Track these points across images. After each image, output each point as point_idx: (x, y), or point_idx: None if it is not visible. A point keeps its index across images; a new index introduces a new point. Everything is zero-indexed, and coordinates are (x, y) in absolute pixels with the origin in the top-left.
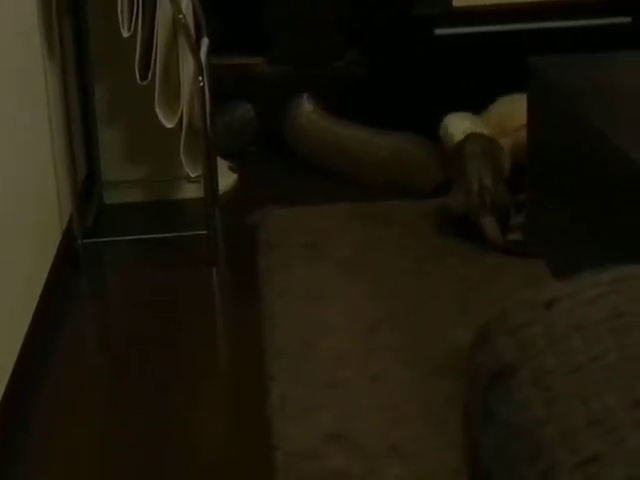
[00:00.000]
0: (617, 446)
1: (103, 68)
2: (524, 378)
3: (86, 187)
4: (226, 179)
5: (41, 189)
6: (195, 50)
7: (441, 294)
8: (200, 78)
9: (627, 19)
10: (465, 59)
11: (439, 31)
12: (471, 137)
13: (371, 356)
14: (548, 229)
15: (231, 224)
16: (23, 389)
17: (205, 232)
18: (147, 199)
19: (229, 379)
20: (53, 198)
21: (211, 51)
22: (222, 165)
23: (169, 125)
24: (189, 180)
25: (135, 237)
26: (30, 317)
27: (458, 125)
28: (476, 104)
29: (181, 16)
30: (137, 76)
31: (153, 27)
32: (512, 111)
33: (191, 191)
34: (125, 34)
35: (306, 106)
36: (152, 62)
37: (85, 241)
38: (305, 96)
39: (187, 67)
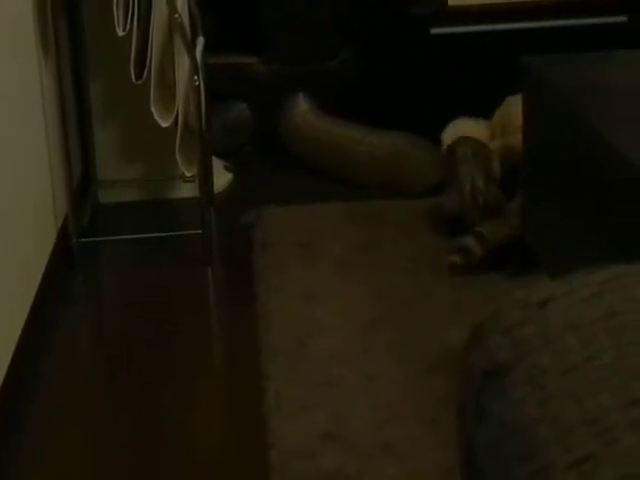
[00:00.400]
0: (611, 446)
1: (98, 67)
2: (518, 377)
3: (81, 186)
4: (221, 178)
5: (36, 188)
6: (191, 49)
7: (435, 293)
8: (195, 77)
9: (623, 18)
10: (461, 58)
11: (435, 30)
12: (462, 140)
13: (366, 355)
14: (543, 228)
15: (226, 223)
16: (17, 389)
17: (200, 231)
18: (142, 198)
19: (224, 378)
20: (48, 197)
21: (207, 50)
22: (217, 164)
23: (164, 124)
24: (184, 179)
25: (130, 236)
26: (25, 316)
27: (452, 130)
28: (472, 103)
29: (177, 15)
30: (132, 75)
31: (149, 26)
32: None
33: (186, 190)
34: (120, 33)
35: (302, 105)
36: (147, 61)
37: (80, 240)
38: (301, 95)
39: (182, 66)
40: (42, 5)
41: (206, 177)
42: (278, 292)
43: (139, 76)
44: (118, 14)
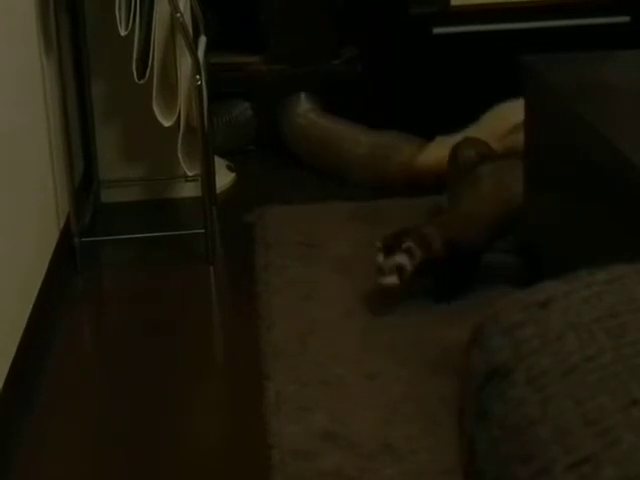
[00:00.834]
0: (611, 447)
1: (100, 67)
2: (518, 378)
3: (83, 186)
4: (224, 178)
5: (38, 188)
6: (193, 49)
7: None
8: (198, 77)
9: (626, 18)
10: (463, 58)
11: (437, 30)
12: (466, 141)
13: (366, 355)
14: (544, 228)
15: (228, 223)
16: (19, 388)
17: (203, 231)
18: (144, 198)
19: (225, 377)
20: (50, 197)
21: (209, 50)
22: (220, 164)
23: (167, 124)
24: (187, 179)
25: (132, 236)
26: (27, 315)
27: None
28: (474, 103)
29: (179, 14)
30: (135, 74)
31: (151, 25)
32: (504, 117)
33: (189, 190)
34: (123, 32)
35: (304, 105)
36: (150, 60)
37: (82, 240)
38: (303, 95)
39: (185, 65)
40: (44, 4)
41: (208, 176)
42: (279, 291)
43: (141, 75)
44: (120, 14)
